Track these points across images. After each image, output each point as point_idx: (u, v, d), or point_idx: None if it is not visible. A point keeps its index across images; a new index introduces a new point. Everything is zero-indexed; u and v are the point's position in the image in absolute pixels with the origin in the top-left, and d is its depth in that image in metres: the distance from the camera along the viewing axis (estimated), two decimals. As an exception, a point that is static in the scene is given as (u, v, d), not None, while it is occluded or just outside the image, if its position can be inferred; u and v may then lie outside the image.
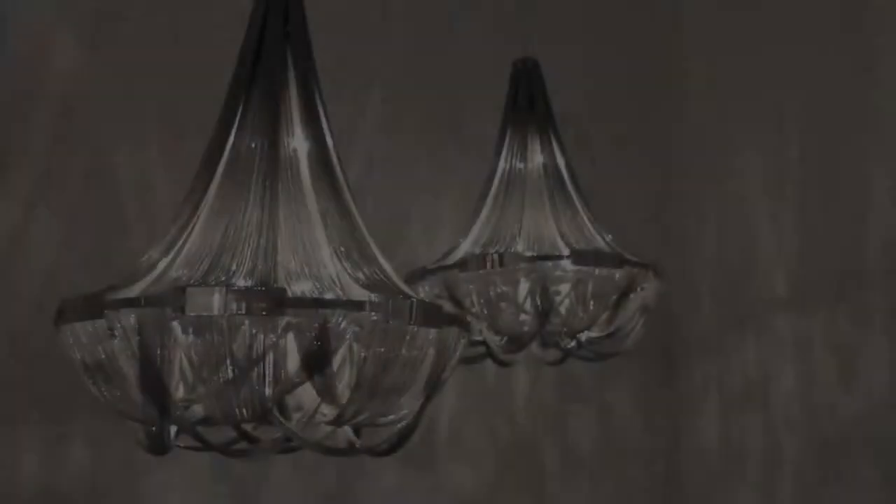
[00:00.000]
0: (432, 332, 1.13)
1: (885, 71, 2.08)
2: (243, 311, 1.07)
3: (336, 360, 1.11)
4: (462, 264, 1.89)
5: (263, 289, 1.08)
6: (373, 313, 1.09)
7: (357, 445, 1.23)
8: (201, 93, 2.11)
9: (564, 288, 1.89)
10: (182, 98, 2.17)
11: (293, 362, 1.11)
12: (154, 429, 1.11)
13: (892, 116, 2.05)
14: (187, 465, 2.05)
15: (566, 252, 1.87)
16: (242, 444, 1.23)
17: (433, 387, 1.17)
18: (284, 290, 1.08)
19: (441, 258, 1.97)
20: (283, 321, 1.09)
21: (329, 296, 1.11)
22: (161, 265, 1.18)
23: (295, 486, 2.18)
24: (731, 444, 2.48)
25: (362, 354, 1.11)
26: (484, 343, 1.93)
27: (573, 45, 2.66)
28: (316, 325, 1.07)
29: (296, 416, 1.20)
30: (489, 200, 2.00)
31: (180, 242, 1.19)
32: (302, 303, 1.08)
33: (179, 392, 1.14)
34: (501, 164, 2.03)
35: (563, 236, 1.91)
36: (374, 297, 1.10)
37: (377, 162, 2.37)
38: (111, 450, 2.00)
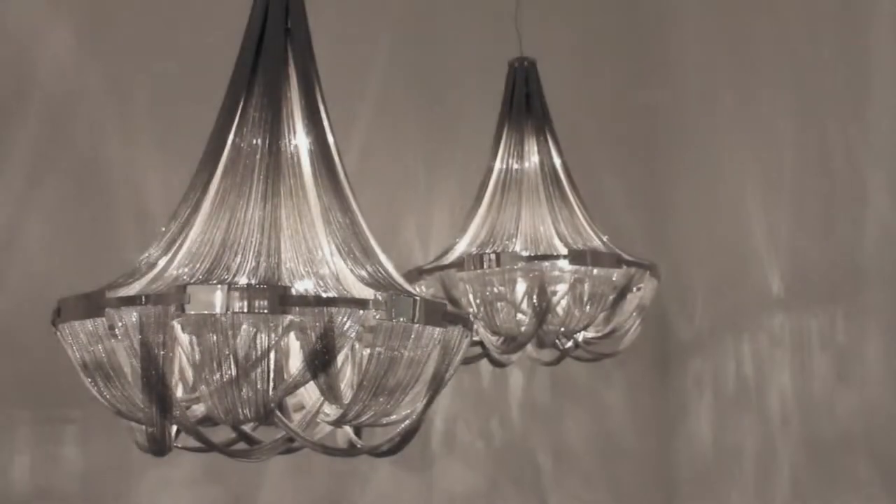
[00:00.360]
0: (437, 331, 1.12)
1: (880, 69, 2.07)
2: (246, 310, 1.06)
3: (339, 360, 1.10)
4: (459, 264, 1.88)
5: (266, 287, 1.07)
6: (378, 312, 1.08)
7: (358, 446, 1.22)
8: (194, 88, 2.12)
9: (562, 288, 1.89)
10: (175, 94, 2.16)
11: (297, 362, 1.10)
12: (154, 429, 1.09)
13: (886, 114, 2.05)
14: (180, 467, 2.03)
15: (564, 252, 1.86)
16: (242, 445, 1.23)
17: (437, 386, 1.16)
18: (289, 288, 1.07)
19: (437, 258, 1.96)
20: (286, 320, 1.08)
21: (333, 294, 1.10)
22: (161, 263, 1.16)
23: (289, 486, 2.17)
24: (724, 443, 2.48)
25: (367, 353, 1.10)
26: (480, 343, 1.92)
27: (568, 46, 2.65)
28: (320, 323, 1.06)
29: (297, 416, 1.20)
30: (485, 200, 1.99)
31: (181, 240, 1.18)
32: (307, 301, 1.07)
33: (180, 391, 1.13)
34: (498, 163, 2.02)
35: (560, 236, 1.90)
36: (379, 295, 1.09)
37: (371, 161, 2.36)
38: (104, 450, 1.98)
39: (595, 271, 1.87)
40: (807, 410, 2.24)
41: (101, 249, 2.04)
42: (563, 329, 1.92)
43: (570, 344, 1.96)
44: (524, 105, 2.05)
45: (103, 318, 1.09)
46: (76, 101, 2.09)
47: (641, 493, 2.62)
